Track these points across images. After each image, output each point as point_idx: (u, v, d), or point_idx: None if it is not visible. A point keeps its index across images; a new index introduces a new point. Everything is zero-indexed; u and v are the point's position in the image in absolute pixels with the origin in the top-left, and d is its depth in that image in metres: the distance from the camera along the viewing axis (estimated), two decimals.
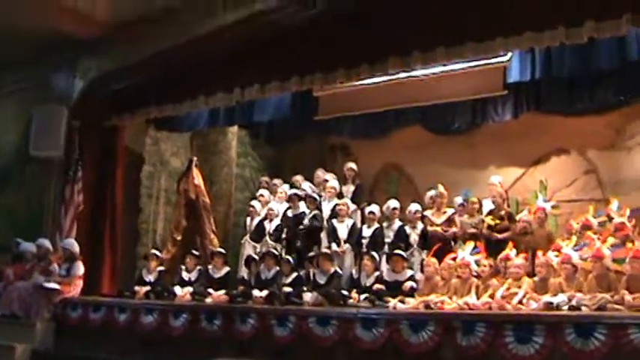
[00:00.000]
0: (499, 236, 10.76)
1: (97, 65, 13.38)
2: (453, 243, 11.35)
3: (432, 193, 12.25)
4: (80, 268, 12.32)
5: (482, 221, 11.14)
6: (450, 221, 11.64)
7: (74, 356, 11.22)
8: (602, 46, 10.06)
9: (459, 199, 11.87)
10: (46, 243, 12.81)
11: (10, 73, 14.48)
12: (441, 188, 11.83)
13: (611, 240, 9.40)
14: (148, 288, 12.21)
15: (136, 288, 12.31)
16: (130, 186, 14.15)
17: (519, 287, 9.05)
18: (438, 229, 11.55)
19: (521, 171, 12.86)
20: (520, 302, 8.69)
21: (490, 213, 11.23)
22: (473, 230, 11.16)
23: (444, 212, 11.72)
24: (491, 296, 9.03)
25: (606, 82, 11.06)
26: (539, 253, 9.54)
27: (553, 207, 11.27)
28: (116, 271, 13.52)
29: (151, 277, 12.63)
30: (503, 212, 11.11)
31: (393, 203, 12.18)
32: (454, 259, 10.02)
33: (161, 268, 12.79)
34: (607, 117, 11.94)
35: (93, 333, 11.46)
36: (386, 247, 11.71)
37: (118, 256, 13.63)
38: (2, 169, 14.60)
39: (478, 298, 9.17)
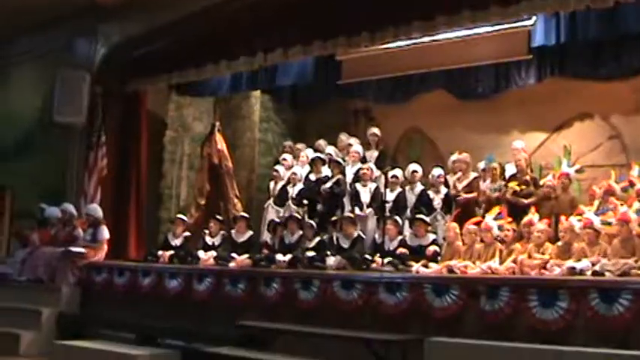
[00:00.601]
0: (525, 201, 10.73)
1: (119, 31, 13.44)
2: (477, 208, 11.33)
3: (454, 157, 12.24)
4: (105, 233, 12.47)
5: (506, 186, 11.11)
6: (470, 186, 11.65)
7: (100, 320, 11.39)
8: (627, 10, 9.94)
9: (481, 164, 11.84)
10: (71, 208, 12.96)
11: (32, 39, 14.57)
12: (464, 154, 11.83)
13: (636, 205, 9.37)
14: (172, 252, 12.31)
15: (160, 252, 12.41)
16: (153, 151, 14.23)
17: (542, 252, 9.06)
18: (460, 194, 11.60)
19: (545, 136, 12.78)
20: (544, 267, 8.68)
21: (513, 178, 11.20)
22: (496, 195, 11.10)
23: (468, 177, 11.71)
24: (514, 261, 9.03)
25: (632, 47, 10.92)
26: (563, 218, 9.50)
27: (577, 171, 11.22)
28: (141, 236, 13.68)
29: (177, 242, 12.73)
30: (527, 177, 11.07)
31: (413, 166, 12.21)
32: (477, 223, 10.01)
33: (187, 233, 12.86)
34: (632, 82, 11.79)
35: (118, 297, 11.64)
36: (408, 211, 11.72)
37: (142, 221, 13.76)
38: (26, 134, 14.74)
39: (501, 263, 9.18)
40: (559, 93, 12.30)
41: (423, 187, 11.98)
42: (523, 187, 10.91)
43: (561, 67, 11.73)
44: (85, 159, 13.42)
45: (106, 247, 12.51)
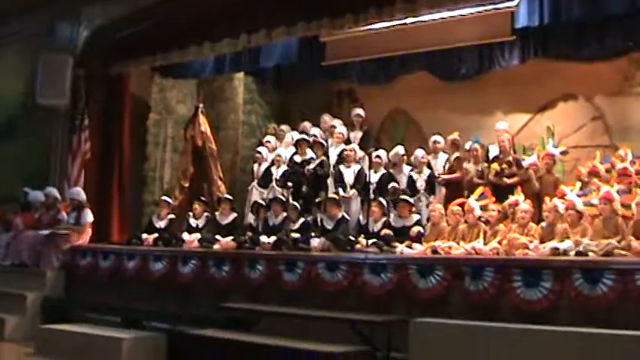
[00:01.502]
0: (507, 181, 10.71)
1: (102, 13, 13.30)
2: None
3: (434, 138, 12.27)
4: (89, 216, 12.41)
5: (488, 167, 11.10)
6: (452, 166, 11.66)
7: (85, 303, 11.32)
8: None
9: (467, 146, 11.83)
10: (54, 192, 12.90)
11: (14, 22, 14.42)
12: (454, 135, 11.89)
13: (616, 186, 9.40)
14: (156, 235, 12.27)
15: (144, 235, 12.37)
16: (136, 134, 14.17)
17: (526, 233, 9.08)
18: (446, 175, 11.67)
19: (529, 117, 12.79)
20: (527, 247, 8.69)
21: (496, 159, 11.18)
22: (477, 179, 11.04)
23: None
24: (499, 242, 9.04)
25: (615, 28, 10.96)
26: (547, 198, 9.51)
27: (562, 153, 11.25)
28: (125, 219, 13.64)
29: (161, 224, 12.69)
30: (510, 158, 11.05)
31: (401, 149, 12.21)
32: (461, 205, 10.02)
33: (172, 215, 12.82)
34: (615, 63, 11.83)
35: (103, 280, 11.60)
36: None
37: (126, 204, 13.72)
38: (8, 118, 14.63)
39: (486, 243, 9.20)
40: (543, 74, 12.30)
41: (410, 169, 12.02)
42: (506, 166, 10.88)
43: (545, 48, 11.74)
44: (68, 142, 13.33)
45: (90, 230, 12.44)
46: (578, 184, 10.07)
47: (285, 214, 11.61)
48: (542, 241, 8.78)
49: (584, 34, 11.28)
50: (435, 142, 12.24)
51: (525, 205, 9.44)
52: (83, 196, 12.51)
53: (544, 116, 12.69)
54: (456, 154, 11.70)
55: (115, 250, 11.83)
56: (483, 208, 9.86)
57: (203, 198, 13.08)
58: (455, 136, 11.97)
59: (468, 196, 10.44)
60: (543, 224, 9.15)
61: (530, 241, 8.77)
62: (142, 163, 14.52)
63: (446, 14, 11.71)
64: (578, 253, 8.17)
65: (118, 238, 13.20)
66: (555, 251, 8.35)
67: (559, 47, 11.68)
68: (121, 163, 13.66)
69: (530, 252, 8.56)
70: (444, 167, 11.86)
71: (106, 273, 11.61)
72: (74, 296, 11.73)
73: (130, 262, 11.35)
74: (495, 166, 10.92)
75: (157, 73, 14.54)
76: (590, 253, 8.11)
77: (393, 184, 11.55)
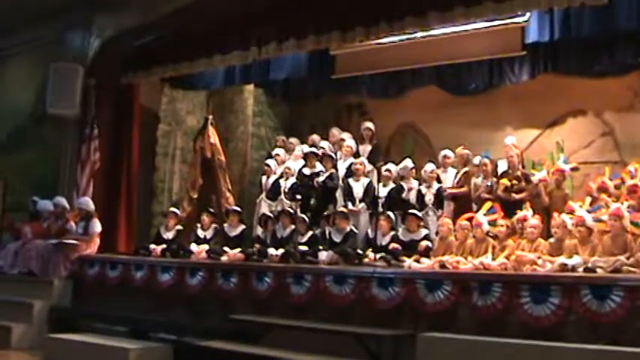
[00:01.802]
0: (516, 196, 10.68)
1: (113, 23, 13.38)
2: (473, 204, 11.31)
3: (444, 153, 12.28)
4: (97, 226, 12.44)
5: (497, 182, 11.09)
6: (461, 181, 11.63)
7: (92, 313, 11.35)
8: (621, 7, 10.02)
9: (475, 160, 11.83)
10: (63, 201, 12.93)
11: (26, 31, 14.50)
12: (460, 149, 11.84)
13: (626, 203, 9.38)
14: (164, 246, 12.29)
15: (152, 246, 12.40)
16: (145, 145, 14.20)
17: (534, 248, 9.07)
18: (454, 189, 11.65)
19: (538, 132, 12.79)
20: (535, 263, 8.69)
21: (505, 174, 11.17)
22: (486, 195, 11.00)
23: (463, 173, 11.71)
24: (508, 257, 9.04)
25: (625, 44, 10.95)
26: (555, 214, 9.49)
27: (573, 169, 11.25)
28: (132, 229, 13.64)
29: (169, 235, 12.70)
30: (519, 173, 11.03)
31: (410, 163, 12.24)
32: (469, 219, 10.01)
33: (179, 227, 12.83)
34: (625, 79, 11.82)
35: (110, 290, 11.60)
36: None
37: (134, 215, 13.75)
38: (19, 127, 14.71)
39: (494, 259, 9.19)
40: (552, 89, 12.31)
41: (418, 183, 12.03)
42: (515, 182, 10.87)
43: (555, 63, 11.75)
44: (77, 152, 13.37)
45: (98, 240, 12.47)
46: (588, 200, 10.04)
47: (293, 226, 11.61)
48: (550, 257, 8.77)
49: (595, 50, 11.29)
50: (444, 156, 12.23)
51: (534, 221, 9.43)
52: (92, 205, 12.54)
53: (553, 132, 12.69)
54: (465, 169, 11.69)
55: (123, 260, 11.84)
56: (492, 223, 9.83)
57: (211, 209, 13.10)
58: (463, 150, 11.96)
59: (476, 211, 10.43)
60: (552, 240, 9.13)
61: (539, 257, 8.75)
62: (151, 174, 14.55)
63: (456, 28, 11.69)
64: (586, 270, 8.16)
65: (125, 248, 13.22)
66: (564, 267, 8.34)
67: (569, 63, 11.67)
68: (129, 173, 13.69)
69: (539, 268, 8.54)
70: (453, 182, 11.83)
71: (113, 283, 11.62)
72: (81, 306, 11.76)
73: (137, 273, 11.35)
74: (504, 181, 10.90)
75: (166, 84, 14.59)
76: (599, 270, 8.10)
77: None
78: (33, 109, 14.38)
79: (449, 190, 11.65)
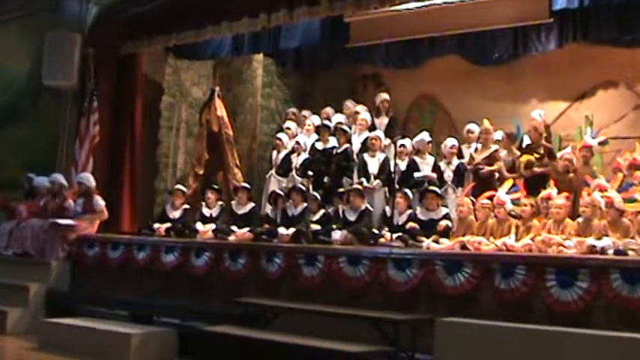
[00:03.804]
0: (537, 170, 10.60)
1: None
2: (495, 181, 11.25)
3: (469, 127, 12.21)
4: (99, 204, 12.39)
5: (519, 157, 11.03)
6: (491, 158, 11.55)
7: (91, 296, 11.39)
8: None
9: (497, 135, 11.77)
10: (60, 178, 12.91)
11: None
12: (486, 123, 11.67)
13: None
14: (168, 225, 12.32)
15: (156, 225, 12.43)
16: (148, 117, 14.17)
17: (561, 230, 9.03)
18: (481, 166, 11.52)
19: (566, 105, 12.77)
20: (561, 245, 8.64)
21: (527, 149, 11.12)
22: (507, 173, 10.93)
23: (489, 148, 11.56)
24: (532, 238, 9.01)
25: None
26: (584, 193, 9.42)
27: (601, 143, 11.17)
28: (135, 208, 13.62)
29: (175, 214, 12.68)
30: (541, 149, 10.96)
31: (427, 136, 12.22)
32: (490, 197, 9.97)
33: (186, 205, 12.83)
34: None
35: (111, 272, 11.63)
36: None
37: (137, 192, 13.72)
38: (13, 99, 14.66)
39: (518, 240, 9.17)
40: (581, 60, 12.26)
41: (434, 159, 12.02)
42: (537, 156, 10.79)
43: (584, 32, 11.64)
44: (76, 126, 13.35)
45: (106, 214, 12.48)
46: (619, 177, 9.95)
47: (304, 204, 11.58)
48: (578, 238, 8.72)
49: (627, 18, 11.16)
50: (469, 131, 12.18)
51: (560, 200, 9.35)
52: (92, 182, 12.49)
53: (582, 105, 12.65)
54: (495, 147, 11.56)
55: (125, 240, 11.87)
56: (515, 202, 9.81)
57: (217, 186, 13.08)
58: (489, 125, 11.88)
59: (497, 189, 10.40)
60: (579, 220, 9.06)
61: (566, 238, 8.71)
62: (154, 149, 14.53)
63: None
64: (617, 252, 8.11)
65: (128, 227, 13.23)
66: (592, 249, 8.29)
67: (599, 31, 11.56)
68: (132, 148, 13.66)
69: (566, 249, 8.51)
70: (477, 158, 11.72)
71: (114, 264, 11.63)
72: (80, 289, 11.78)
73: (140, 254, 11.37)
74: (526, 157, 10.85)
75: (170, 53, 14.53)
76: (631, 252, 8.07)
77: (420, 173, 11.53)
78: (27, 81, 14.35)
79: (487, 168, 11.30)
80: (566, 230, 8.96)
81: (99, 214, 12.41)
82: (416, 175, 11.76)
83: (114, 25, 13.50)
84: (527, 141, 11.47)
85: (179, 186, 13.29)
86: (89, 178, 12.55)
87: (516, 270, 8.01)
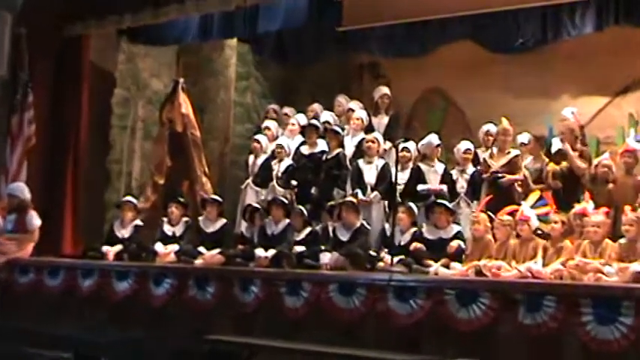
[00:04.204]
0: (580, 166, 10.59)
1: None
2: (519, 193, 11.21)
3: (488, 127, 12.20)
4: (35, 220, 12.33)
5: (547, 165, 11.02)
6: (511, 165, 11.54)
7: (24, 332, 11.28)
8: None
9: (523, 137, 11.76)
10: None
11: None
12: (505, 123, 11.68)
13: None
14: (119, 247, 12.31)
15: (105, 248, 12.39)
16: (97, 115, 14.20)
17: (599, 252, 8.99)
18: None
19: (605, 101, 12.79)
20: (600, 271, 8.61)
21: (557, 155, 11.13)
22: (533, 185, 10.93)
23: (507, 153, 11.56)
24: (563, 263, 8.99)
25: None
26: (627, 208, 9.40)
27: None
28: (79, 225, 13.61)
29: (125, 233, 12.67)
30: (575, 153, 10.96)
31: (436, 139, 12.20)
32: (511, 213, 9.96)
33: (138, 221, 12.81)
34: None
35: (49, 304, 11.59)
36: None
37: (81, 206, 13.67)
38: None
39: (546, 265, 9.15)
40: (624, 46, 12.31)
41: (444, 166, 12.01)
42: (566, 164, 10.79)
43: (627, 12, 11.62)
44: (6, 124, 13.28)
45: (37, 237, 12.40)
46: None
47: (287, 220, 11.62)
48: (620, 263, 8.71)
49: None
50: (486, 132, 12.19)
51: (598, 217, 9.33)
52: (27, 193, 12.45)
53: (625, 101, 12.70)
54: (516, 152, 11.53)
55: (67, 264, 11.83)
56: (542, 218, 9.80)
57: (182, 199, 13.06)
58: (506, 124, 11.87)
59: (520, 203, 10.38)
60: (622, 241, 9.05)
61: (605, 263, 8.69)
62: (105, 154, 14.53)
63: None
64: None
65: (70, 249, 13.23)
66: (638, 277, 8.28)
67: None
68: (76, 152, 13.66)
69: (605, 277, 8.49)
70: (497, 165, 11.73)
71: (53, 294, 11.59)
72: (10, 322, 11.64)
73: (85, 281, 11.33)
74: (553, 165, 10.84)
75: (124, 37, 14.54)
76: None
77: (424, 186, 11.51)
78: None
79: (508, 177, 11.17)
80: (605, 253, 8.92)
81: (32, 234, 12.32)
82: (420, 188, 11.73)
83: (54, 1, 13.47)
84: (557, 145, 11.45)
85: (129, 198, 13.24)
86: (23, 189, 12.51)
87: (544, 301, 7.94)
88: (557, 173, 10.76)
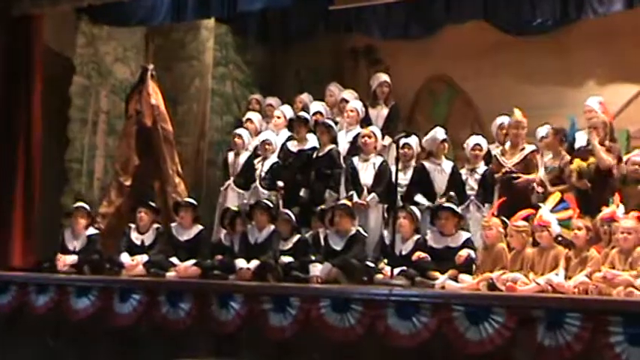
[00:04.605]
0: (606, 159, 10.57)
1: None
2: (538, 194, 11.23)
3: (501, 120, 12.20)
4: None
5: (571, 163, 11.03)
6: (526, 162, 11.56)
7: None
8: None
9: (542, 130, 11.78)
10: None
11: None
12: (517, 114, 11.71)
13: None
14: (74, 258, 12.30)
15: (58, 260, 12.37)
16: (52, 106, 14.13)
17: (630, 263, 9.00)
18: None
19: (636, 90, 12.79)
20: (632, 285, 8.62)
21: (582, 151, 11.14)
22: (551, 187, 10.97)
23: (522, 149, 11.59)
24: (589, 275, 8.99)
25: None
26: None
27: None
28: (32, 233, 13.55)
29: (76, 244, 12.64)
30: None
31: (442, 133, 12.20)
32: (528, 217, 9.97)
33: (92, 230, 12.79)
34: None
35: None
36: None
37: (34, 211, 13.64)
38: None
39: (569, 277, 9.15)
40: None
41: (452, 164, 12.03)
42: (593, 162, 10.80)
43: None
44: None
45: None
46: None
47: (272, 227, 11.63)
48: None
49: None
50: (500, 126, 12.21)
51: (628, 222, 9.33)
52: None
53: None
54: (531, 147, 11.55)
55: (18, 279, 11.81)
56: (564, 223, 9.78)
57: (152, 202, 13.04)
58: (519, 115, 11.87)
59: (537, 206, 10.37)
60: None
61: (637, 276, 8.70)
62: (62, 151, 14.49)
63: None
64: None
65: (20, 261, 13.17)
66: None
67: None
68: (27, 149, 13.61)
69: (638, 291, 8.49)
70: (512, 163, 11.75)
71: (2, 314, 11.56)
72: None
73: (40, 298, 11.29)
74: (578, 162, 10.85)
75: (84, 16, 14.52)
76: None
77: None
78: None
79: (523, 176, 11.26)
80: (636, 264, 8.94)
81: None
82: (417, 199, 11.76)
83: None
84: (581, 140, 11.45)
85: (80, 203, 13.14)
86: None
87: (567, 319, 7.94)
88: (584, 171, 10.72)
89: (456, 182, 11.82)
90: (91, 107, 14.81)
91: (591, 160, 10.75)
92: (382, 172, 12.05)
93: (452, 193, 11.56)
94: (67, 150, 14.54)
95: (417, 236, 11.00)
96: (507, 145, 11.67)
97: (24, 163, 13.54)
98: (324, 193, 12.36)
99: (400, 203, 11.33)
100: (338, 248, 11.05)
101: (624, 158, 10.94)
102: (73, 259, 12.28)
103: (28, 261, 13.12)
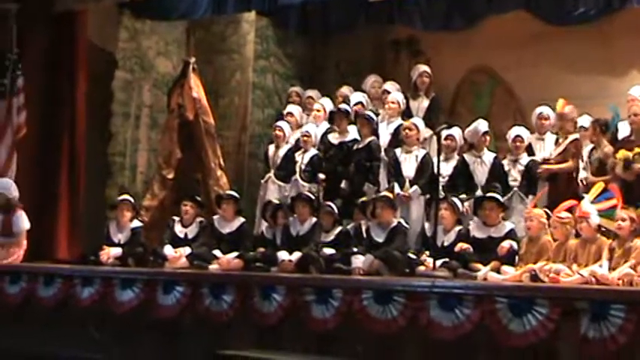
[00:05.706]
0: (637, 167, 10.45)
1: None
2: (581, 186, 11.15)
3: (541, 110, 12.13)
4: (24, 222, 12.34)
5: (614, 154, 10.93)
6: (566, 152, 11.47)
7: (9, 353, 11.27)
8: None
9: (583, 120, 11.68)
10: None
11: None
12: (561, 104, 11.62)
13: None
14: (118, 250, 12.35)
15: (103, 252, 12.40)
16: (96, 101, 14.21)
17: None
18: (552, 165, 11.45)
19: None
20: None
21: (626, 142, 11.02)
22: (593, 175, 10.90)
23: (565, 139, 11.51)
24: (634, 266, 8.90)
25: None
26: None
27: None
28: (77, 227, 13.62)
29: (121, 237, 12.66)
30: None
31: (484, 125, 12.13)
32: (570, 209, 9.89)
33: (137, 223, 12.82)
34: None
35: (41, 317, 11.58)
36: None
37: (79, 205, 13.68)
38: None
39: (613, 268, 9.07)
40: None
41: (494, 155, 11.95)
42: (637, 153, 10.69)
43: None
44: None
45: (24, 241, 12.40)
46: None
47: (314, 219, 11.64)
48: None
49: None
50: (541, 116, 12.09)
51: None
52: (15, 191, 12.48)
53: None
54: (574, 136, 11.48)
55: (64, 271, 11.80)
56: (607, 214, 9.67)
57: (195, 195, 13.05)
58: (567, 107, 11.78)
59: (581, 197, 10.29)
60: None
61: None
62: (105, 145, 14.55)
63: None
64: None
65: (66, 254, 13.26)
66: None
67: None
68: (72, 143, 13.69)
69: None
70: (552, 153, 11.68)
71: (47, 306, 11.58)
72: None
73: (84, 290, 11.31)
74: (623, 152, 10.74)
75: (126, 11, 14.57)
76: None
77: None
78: None
79: (544, 166, 11.41)
80: None
81: (19, 237, 12.32)
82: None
83: None
84: (624, 131, 11.36)
85: (125, 196, 13.15)
86: (9, 186, 12.53)
87: (611, 311, 7.85)
88: (631, 161, 10.61)
89: (497, 174, 11.73)
90: (134, 101, 14.86)
91: (637, 150, 10.65)
92: (425, 165, 12.02)
93: (496, 184, 11.47)
94: (110, 144, 14.62)
95: (458, 227, 10.95)
96: (554, 137, 11.65)
97: (68, 158, 13.61)
98: (363, 185, 12.34)
99: (442, 195, 11.25)
100: (380, 240, 11.01)
101: None
102: (117, 251, 12.31)
103: (73, 253, 13.18)
